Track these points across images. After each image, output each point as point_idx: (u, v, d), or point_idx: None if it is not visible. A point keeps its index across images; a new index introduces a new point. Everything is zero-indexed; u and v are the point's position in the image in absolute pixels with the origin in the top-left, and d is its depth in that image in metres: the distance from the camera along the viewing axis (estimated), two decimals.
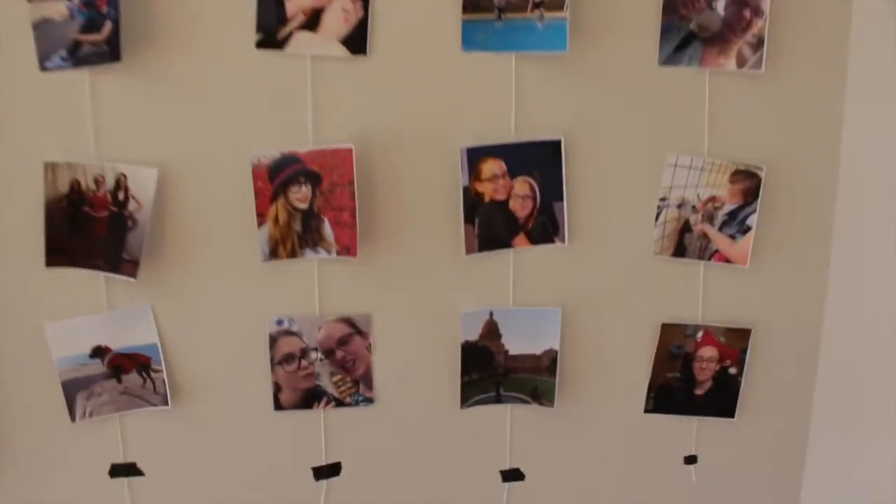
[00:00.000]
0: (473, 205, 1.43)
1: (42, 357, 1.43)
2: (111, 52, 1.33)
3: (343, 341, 1.49)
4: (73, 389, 1.46)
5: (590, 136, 1.45)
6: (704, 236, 1.50)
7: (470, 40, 1.38)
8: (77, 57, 1.33)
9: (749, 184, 1.48)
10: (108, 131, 1.38)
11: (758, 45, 1.43)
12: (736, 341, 1.54)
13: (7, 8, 1.33)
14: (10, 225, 1.39)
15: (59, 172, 1.38)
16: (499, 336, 1.51)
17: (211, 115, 1.39)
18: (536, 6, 1.38)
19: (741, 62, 1.44)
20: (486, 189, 1.44)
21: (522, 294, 1.49)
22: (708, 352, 1.55)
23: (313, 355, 1.48)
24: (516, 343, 1.51)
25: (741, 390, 1.56)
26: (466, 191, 1.42)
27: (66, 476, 1.49)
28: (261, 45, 1.36)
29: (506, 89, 1.41)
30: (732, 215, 1.50)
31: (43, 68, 1.32)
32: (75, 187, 1.39)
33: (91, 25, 1.33)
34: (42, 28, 1.33)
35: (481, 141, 1.42)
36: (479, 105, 1.42)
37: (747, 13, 1.43)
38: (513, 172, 1.43)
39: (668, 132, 1.46)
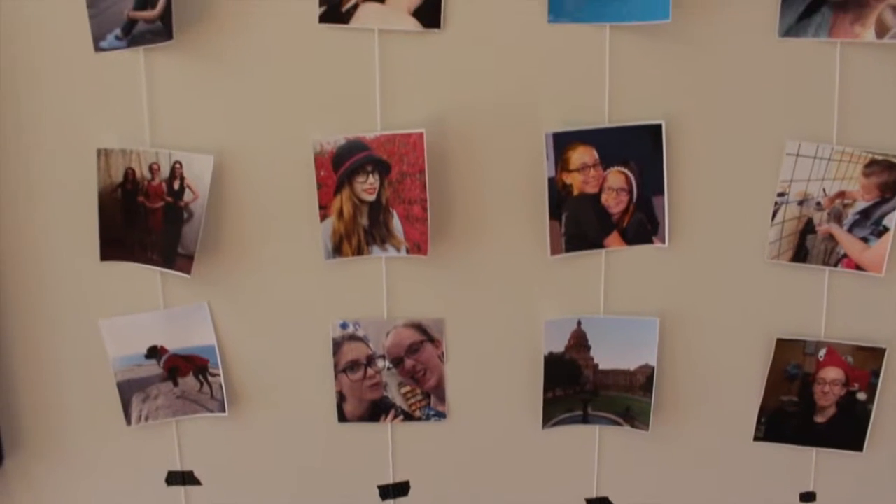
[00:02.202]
0: (560, 198, 1.18)
1: (98, 356, 1.27)
2: (165, 29, 1.16)
3: (413, 349, 1.26)
4: (128, 391, 1.29)
5: (695, 120, 1.18)
6: (831, 238, 1.21)
7: (557, 10, 1.14)
8: (132, 36, 1.17)
9: (887, 177, 1.17)
10: (163, 116, 1.20)
11: None
12: (866, 362, 1.24)
13: None
14: (63, 215, 1.23)
15: (112, 160, 1.22)
16: (587, 348, 1.25)
17: (269, 97, 1.19)
18: None
19: (882, 31, 1.13)
20: (575, 181, 1.19)
21: (615, 301, 1.23)
22: (832, 373, 1.26)
23: (380, 363, 1.27)
24: (607, 356, 1.25)
25: (871, 419, 1.25)
26: (552, 182, 1.18)
27: (121, 481, 1.32)
28: (324, 18, 1.15)
29: (598, 66, 1.16)
30: (866, 214, 1.20)
31: (98, 49, 1.17)
32: (129, 176, 1.23)
33: (145, 2, 1.17)
34: (96, 6, 1.17)
35: (570, 125, 1.17)
36: (568, 84, 1.17)
37: None
38: (606, 162, 1.18)
39: (789, 116, 1.17)
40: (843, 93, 1.17)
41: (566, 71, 1.17)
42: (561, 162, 1.18)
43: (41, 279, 1.26)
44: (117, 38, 1.18)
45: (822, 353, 1.25)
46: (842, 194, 1.19)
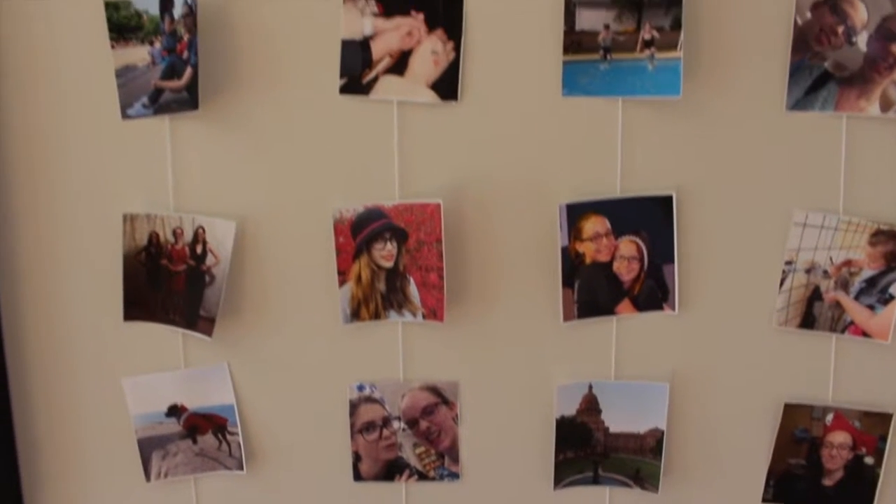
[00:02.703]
0: (573, 267, 1.19)
1: (119, 413, 1.28)
2: (191, 99, 1.18)
3: (428, 411, 1.27)
4: (148, 448, 1.29)
5: (705, 191, 1.19)
6: (837, 305, 1.22)
7: (572, 84, 1.15)
8: (158, 104, 1.19)
9: (892, 246, 1.18)
10: (187, 182, 1.22)
11: None
12: (874, 427, 1.24)
13: (86, 57, 1.20)
14: (89, 277, 1.25)
15: (137, 224, 1.24)
16: (598, 411, 1.25)
17: (291, 165, 1.21)
18: (647, 45, 1.15)
19: (886, 105, 1.15)
20: (588, 249, 1.20)
21: (626, 366, 1.24)
22: (839, 437, 1.26)
23: (396, 424, 1.28)
24: (618, 420, 1.25)
25: (879, 483, 1.24)
26: (565, 251, 1.18)
27: None
28: (344, 90, 1.18)
29: (611, 138, 1.18)
30: (872, 282, 1.21)
31: (125, 116, 1.18)
32: (154, 240, 1.25)
33: (172, 71, 1.19)
34: (125, 75, 1.19)
35: (583, 196, 1.18)
36: (581, 156, 1.19)
37: (895, 48, 1.17)
38: (618, 231, 1.19)
39: (796, 186, 1.19)
40: (849, 164, 1.18)
41: (580, 143, 1.19)
42: (574, 231, 1.19)
43: (66, 338, 1.28)
44: (144, 105, 1.20)
45: (830, 417, 1.25)
46: (848, 263, 1.21)
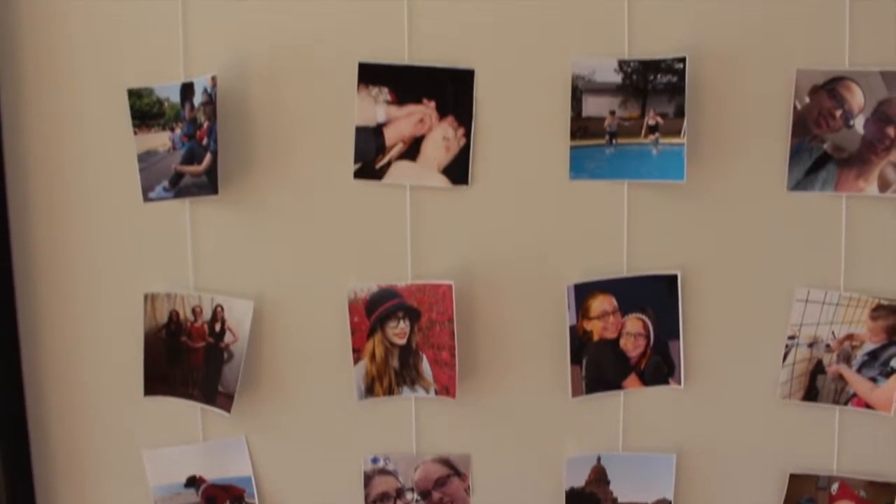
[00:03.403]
0: (581, 344, 1.21)
1: (139, 485, 1.29)
2: (210, 184, 1.20)
3: (440, 482, 1.28)
4: None
5: (710, 269, 1.21)
6: (840, 378, 1.24)
7: (578, 167, 1.18)
8: (178, 188, 1.22)
9: (893, 321, 1.19)
10: (206, 261, 1.24)
11: None
12: (878, 496, 1.24)
13: (110, 142, 1.23)
14: (111, 354, 1.27)
15: (158, 303, 1.26)
16: (607, 483, 1.27)
17: (307, 246, 1.23)
18: (651, 131, 1.17)
19: (884, 185, 1.18)
20: (595, 327, 1.22)
21: (633, 439, 1.25)
22: None
23: (409, 496, 1.29)
24: (626, 491, 1.26)
25: None
26: (573, 330, 1.20)
27: None
28: (358, 174, 1.21)
29: (617, 220, 1.20)
30: (874, 356, 1.23)
31: (146, 199, 1.21)
32: (174, 317, 1.27)
33: (192, 157, 1.22)
34: (146, 160, 1.22)
35: (591, 275, 1.20)
36: (589, 237, 1.21)
37: (891, 131, 1.19)
38: (624, 309, 1.21)
39: (798, 264, 1.21)
40: (849, 242, 1.20)
41: (587, 224, 1.21)
42: (581, 310, 1.21)
43: (89, 411, 1.29)
44: (165, 189, 1.22)
45: (835, 487, 1.26)
46: (850, 337, 1.22)
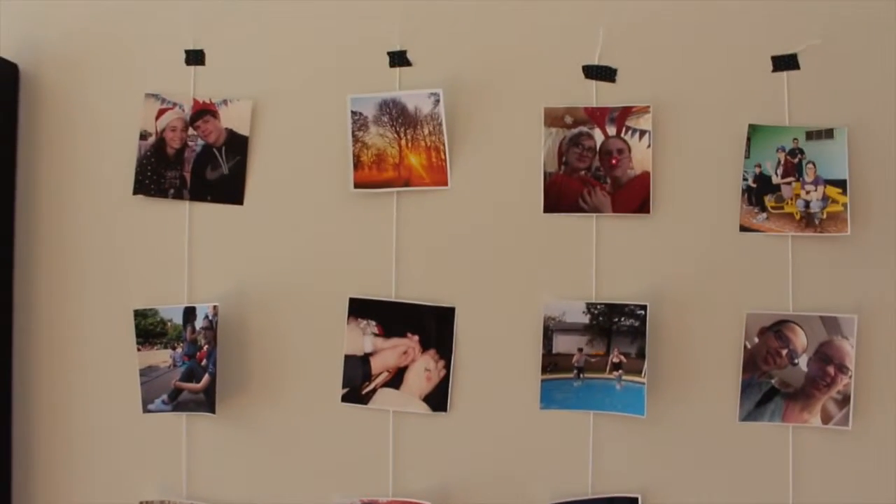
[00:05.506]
0: None
1: None
2: (208, 402, 1.26)
3: None
4: None
5: (669, 492, 1.27)
6: None
7: (548, 398, 1.26)
8: (177, 402, 1.28)
9: None
10: (200, 472, 1.30)
11: (843, 401, 1.27)
12: None
13: (113, 356, 1.31)
14: None
15: None
16: None
17: (296, 463, 1.29)
18: (615, 368, 1.27)
19: (826, 418, 1.27)
20: None
21: None
22: None
23: None
24: None
25: None
26: None
27: None
28: (346, 398, 1.28)
29: (583, 446, 1.27)
30: None
31: (146, 410, 1.28)
32: None
33: (191, 375, 1.28)
34: (148, 374, 1.29)
35: (558, 496, 1.26)
36: (557, 462, 1.27)
37: (831, 370, 1.28)
38: None
39: (748, 490, 1.27)
40: (795, 472, 1.27)
41: (556, 450, 1.28)
42: None
43: None
44: (164, 402, 1.28)
45: None
46: None
